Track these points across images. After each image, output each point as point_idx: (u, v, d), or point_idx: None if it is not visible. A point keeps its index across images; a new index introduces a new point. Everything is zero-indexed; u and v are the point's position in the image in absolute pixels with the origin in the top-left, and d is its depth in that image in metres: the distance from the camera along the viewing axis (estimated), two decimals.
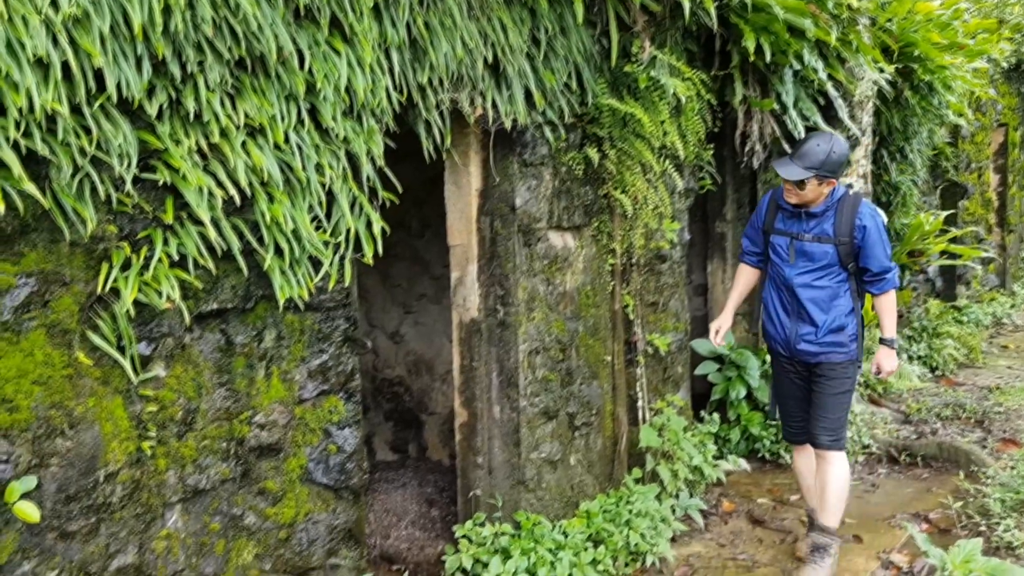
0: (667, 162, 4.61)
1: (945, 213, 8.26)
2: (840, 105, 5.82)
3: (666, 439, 4.73)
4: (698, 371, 5.96)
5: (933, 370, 8.28)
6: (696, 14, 4.47)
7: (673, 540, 4.47)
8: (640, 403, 4.88)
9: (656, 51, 4.32)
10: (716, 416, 5.59)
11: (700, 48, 5.07)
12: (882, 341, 4.11)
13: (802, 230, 4.01)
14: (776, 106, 5.30)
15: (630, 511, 4.35)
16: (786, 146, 5.69)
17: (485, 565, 3.88)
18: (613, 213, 4.59)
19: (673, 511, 4.63)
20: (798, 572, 4.17)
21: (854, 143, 6.27)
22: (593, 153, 4.29)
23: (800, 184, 3.87)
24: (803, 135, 5.52)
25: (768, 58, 4.77)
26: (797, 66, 5.21)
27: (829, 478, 4.09)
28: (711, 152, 5.20)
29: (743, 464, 5.44)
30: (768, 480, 5.54)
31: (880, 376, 4.15)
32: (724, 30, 4.88)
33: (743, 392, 5.81)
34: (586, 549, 4.06)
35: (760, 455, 5.83)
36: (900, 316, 8.47)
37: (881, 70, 6.00)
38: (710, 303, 6.56)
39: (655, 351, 4.99)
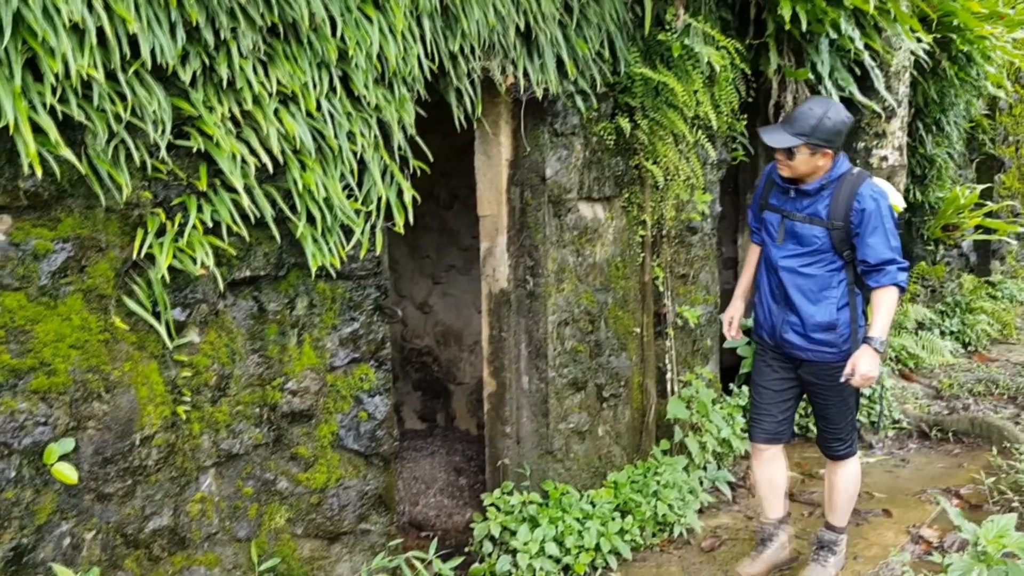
0: (699, 133, 4.56)
1: (981, 187, 8.11)
2: (876, 75, 5.72)
3: (694, 411, 4.72)
4: (727, 344, 5.91)
5: (966, 346, 8.18)
6: None
7: (701, 511, 4.47)
8: (669, 375, 4.86)
9: (690, 19, 4.26)
10: (745, 389, 5.56)
11: (734, 16, 4.99)
12: (865, 339, 3.40)
13: (794, 209, 3.55)
14: (811, 76, 5.21)
15: (658, 482, 4.35)
16: None
17: (513, 533, 3.90)
18: (644, 184, 4.55)
19: (701, 483, 4.63)
20: (803, 571, 3.87)
21: (890, 114, 6.17)
22: (624, 123, 4.25)
23: (789, 153, 3.43)
24: None
25: (804, 27, 4.68)
26: (833, 35, 5.11)
27: (839, 480, 3.81)
28: (744, 123, 5.13)
29: None
30: (796, 453, 5.52)
31: (854, 382, 3.40)
32: None
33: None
34: (613, 519, 4.08)
35: None
36: (933, 291, 8.37)
37: (919, 40, 5.88)
38: (740, 276, 6.51)
39: (684, 323, 4.97)
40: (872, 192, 3.40)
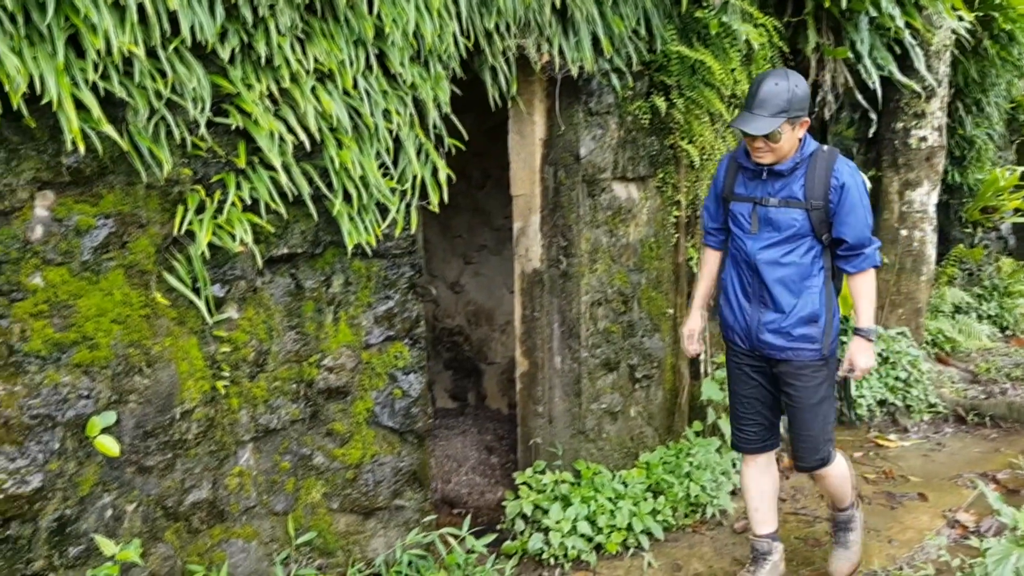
0: (736, 112, 4.51)
1: (1021, 169, 7.95)
2: (917, 54, 5.63)
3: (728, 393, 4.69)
4: None
5: (1003, 330, 8.05)
6: None
7: (733, 493, 4.46)
8: (702, 356, 4.84)
9: None
10: None
11: None
12: (856, 331, 3.28)
13: (767, 193, 3.26)
14: (850, 55, 5.13)
15: (690, 463, 4.34)
16: (859, 97, 5.53)
17: (545, 512, 3.92)
18: (679, 164, 4.51)
19: (734, 464, 4.61)
20: (830, 558, 3.71)
21: (929, 94, 6.06)
22: (660, 102, 4.21)
23: (772, 137, 3.11)
24: (877, 85, 5.37)
25: (843, 5, 4.62)
26: (873, 13, 5.03)
27: (829, 483, 3.55)
28: None
29: None
30: None
31: (853, 375, 3.34)
32: None
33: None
34: (646, 499, 4.08)
35: None
36: (970, 274, 8.24)
37: (960, 18, 5.77)
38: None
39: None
40: (848, 168, 3.21)
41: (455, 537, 3.48)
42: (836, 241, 3.23)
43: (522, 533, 3.93)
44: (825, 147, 3.25)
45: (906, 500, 4.51)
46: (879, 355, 5.90)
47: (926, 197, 6.31)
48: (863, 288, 3.27)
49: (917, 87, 5.84)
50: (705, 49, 4.22)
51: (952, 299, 7.52)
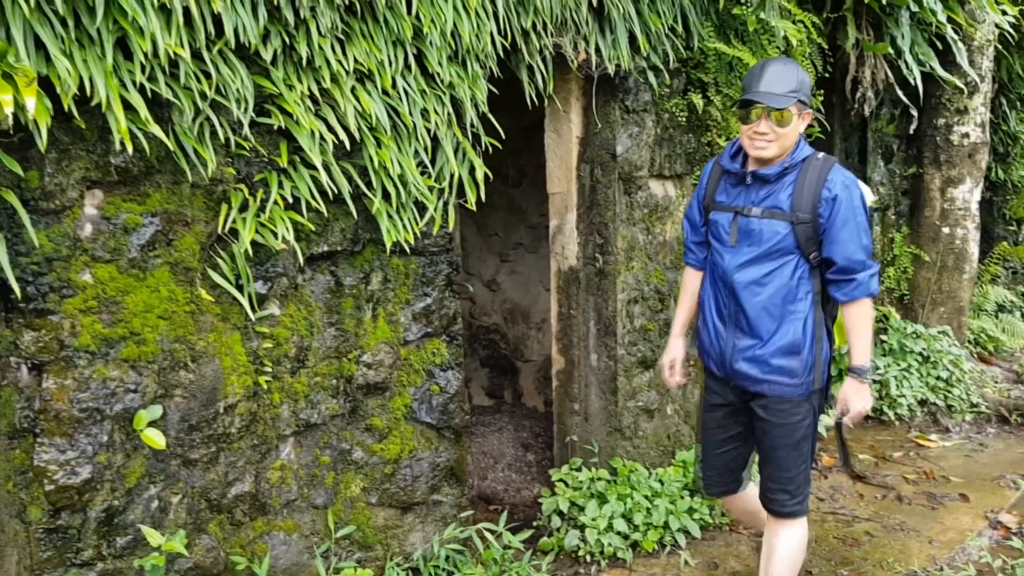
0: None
1: None
2: (959, 49, 5.55)
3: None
4: None
5: None
6: None
7: None
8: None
9: None
10: None
11: None
12: (850, 371, 2.88)
13: (749, 202, 2.90)
14: (890, 50, 5.07)
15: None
16: (899, 93, 5.47)
17: (581, 509, 3.93)
18: None
19: None
20: None
21: (972, 90, 5.97)
22: (697, 99, 4.20)
23: (784, 118, 2.77)
24: (918, 81, 5.30)
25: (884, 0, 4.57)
26: (914, 8, 4.97)
27: (780, 544, 3.04)
28: (820, 98, 5.02)
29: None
30: (870, 436, 5.43)
31: (847, 420, 2.90)
32: None
33: (845, 348, 5.67)
34: (682, 497, 4.07)
35: None
36: (1015, 272, 8.09)
37: (1004, 12, 5.67)
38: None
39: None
40: (843, 178, 2.81)
41: (492, 533, 3.50)
42: (825, 262, 2.85)
43: (558, 530, 3.94)
44: (820, 154, 2.89)
45: (947, 501, 4.46)
46: (920, 354, 5.83)
47: (968, 194, 6.21)
48: (856, 319, 2.85)
49: (959, 82, 5.76)
50: (743, 46, 4.20)
51: (995, 297, 7.39)
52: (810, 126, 5.16)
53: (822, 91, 5.06)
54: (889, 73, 5.30)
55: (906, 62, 5.18)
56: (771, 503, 3.04)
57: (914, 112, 5.75)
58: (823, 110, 5.18)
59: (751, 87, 2.83)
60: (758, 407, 2.97)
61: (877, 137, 6.14)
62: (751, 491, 3.27)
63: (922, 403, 5.71)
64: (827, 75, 5.10)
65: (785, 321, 2.85)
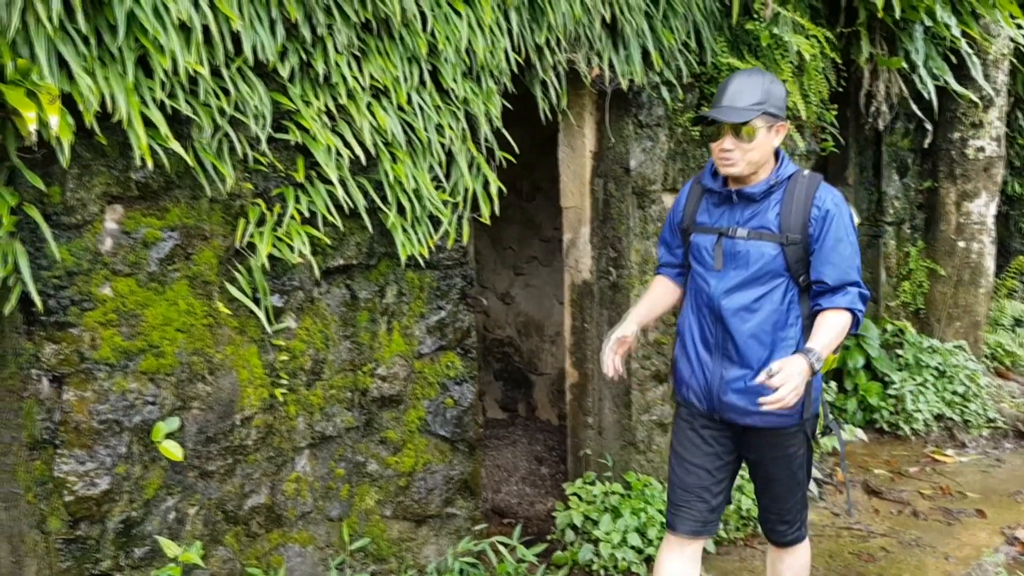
0: (788, 123, 4.49)
1: None
2: (973, 63, 5.54)
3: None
4: None
5: None
6: None
7: None
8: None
9: (779, 7, 4.20)
10: (833, 385, 5.48)
11: (824, 4, 4.90)
12: (801, 351, 2.54)
13: (734, 222, 2.72)
14: (904, 64, 5.08)
15: (742, 477, 4.31)
16: (914, 107, 5.47)
17: (595, 523, 3.93)
18: None
19: None
20: None
21: (987, 103, 5.96)
22: None
23: (743, 133, 2.60)
24: (932, 95, 5.30)
25: (898, 14, 4.57)
26: (928, 22, 4.98)
27: (784, 570, 3.00)
28: (834, 113, 5.03)
29: (860, 434, 5.32)
30: (885, 451, 5.40)
31: (767, 384, 2.44)
32: None
33: (861, 361, 5.67)
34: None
35: (877, 426, 5.67)
36: None
37: (1019, 26, 5.67)
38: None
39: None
40: (833, 196, 2.67)
41: (505, 546, 3.51)
42: (814, 284, 2.68)
43: (572, 544, 3.94)
44: (807, 171, 2.73)
45: (963, 516, 4.43)
46: (936, 369, 5.80)
47: (984, 208, 6.19)
48: (830, 319, 2.62)
49: (974, 96, 5.75)
50: (756, 61, 4.22)
51: (1012, 312, 7.35)
52: (823, 140, 5.18)
53: (836, 105, 5.07)
54: (903, 87, 5.31)
55: (920, 76, 5.18)
56: (771, 533, 2.98)
57: (929, 126, 5.75)
58: (837, 124, 5.18)
59: (715, 103, 2.70)
60: (750, 445, 2.81)
61: (892, 151, 6.14)
62: (698, 569, 2.95)
63: (938, 418, 5.67)
64: (841, 89, 5.11)
65: (777, 348, 2.66)
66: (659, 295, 3.04)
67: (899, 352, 5.90)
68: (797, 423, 2.73)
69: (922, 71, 5.14)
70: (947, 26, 4.96)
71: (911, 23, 5.01)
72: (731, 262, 2.71)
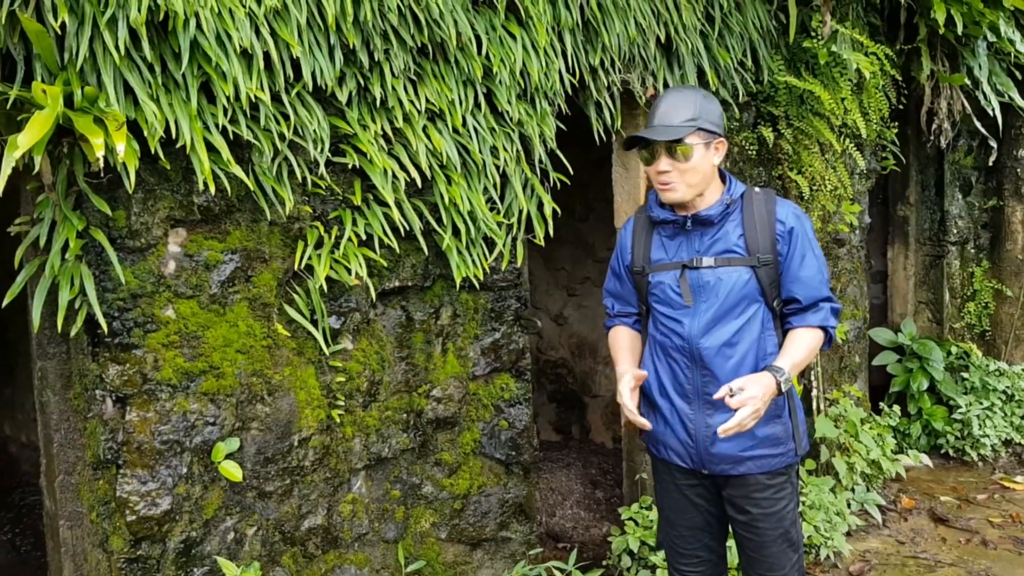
0: (847, 141, 4.42)
1: None
2: None
3: (842, 431, 4.55)
4: (876, 361, 5.68)
5: None
6: None
7: (848, 534, 4.30)
8: (814, 392, 4.71)
9: (837, 25, 4.14)
10: (896, 409, 5.33)
11: (883, 21, 4.83)
12: (769, 368, 2.41)
13: (695, 252, 2.52)
14: (967, 81, 4.97)
15: (803, 503, 4.21)
16: (977, 124, 5.34)
17: (652, 548, 3.86)
18: (788, 195, 4.44)
19: (848, 505, 4.45)
20: None
21: None
22: (767, 132, 4.17)
23: (680, 149, 2.42)
24: (997, 112, 5.17)
25: (959, 30, 4.48)
26: (991, 38, 4.87)
27: None
28: (894, 131, 4.94)
29: (924, 460, 5.16)
30: (952, 478, 5.23)
31: (732, 403, 2.28)
32: (911, 1, 4.62)
33: (925, 384, 5.51)
34: None
35: (943, 451, 5.50)
36: None
37: None
38: (889, 290, 6.25)
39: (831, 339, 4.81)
40: (793, 210, 2.52)
41: (561, 571, 3.47)
42: (785, 302, 2.53)
43: (628, 569, 3.88)
44: (757, 188, 2.58)
45: None
46: (1003, 393, 5.61)
47: None
48: (801, 337, 2.49)
49: None
50: (814, 79, 4.17)
51: None
52: (884, 159, 5.08)
53: (896, 123, 4.97)
54: (966, 104, 5.18)
55: (984, 92, 5.06)
56: None
57: (993, 143, 5.60)
58: (898, 142, 5.08)
59: (647, 123, 2.52)
60: (736, 499, 2.56)
61: (954, 169, 5.99)
62: None
63: (1007, 443, 5.48)
64: (901, 107, 5.01)
65: None
66: (631, 343, 2.74)
67: (964, 375, 5.72)
68: (789, 462, 2.54)
69: (985, 87, 5.02)
70: (1011, 41, 4.85)
71: (973, 39, 4.91)
72: (700, 295, 2.49)
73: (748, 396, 2.29)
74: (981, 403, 5.54)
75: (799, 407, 2.58)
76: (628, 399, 2.53)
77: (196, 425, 2.59)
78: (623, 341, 2.75)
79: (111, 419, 2.47)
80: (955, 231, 6.02)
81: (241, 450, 2.69)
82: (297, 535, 2.86)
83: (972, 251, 6.18)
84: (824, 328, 2.51)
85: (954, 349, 5.82)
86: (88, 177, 2.35)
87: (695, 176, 2.46)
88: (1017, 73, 5.32)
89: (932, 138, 5.34)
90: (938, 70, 4.91)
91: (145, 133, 2.33)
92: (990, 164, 5.90)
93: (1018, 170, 5.98)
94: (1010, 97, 5.25)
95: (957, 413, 5.46)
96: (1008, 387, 5.62)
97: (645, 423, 2.54)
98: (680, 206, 2.55)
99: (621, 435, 4.41)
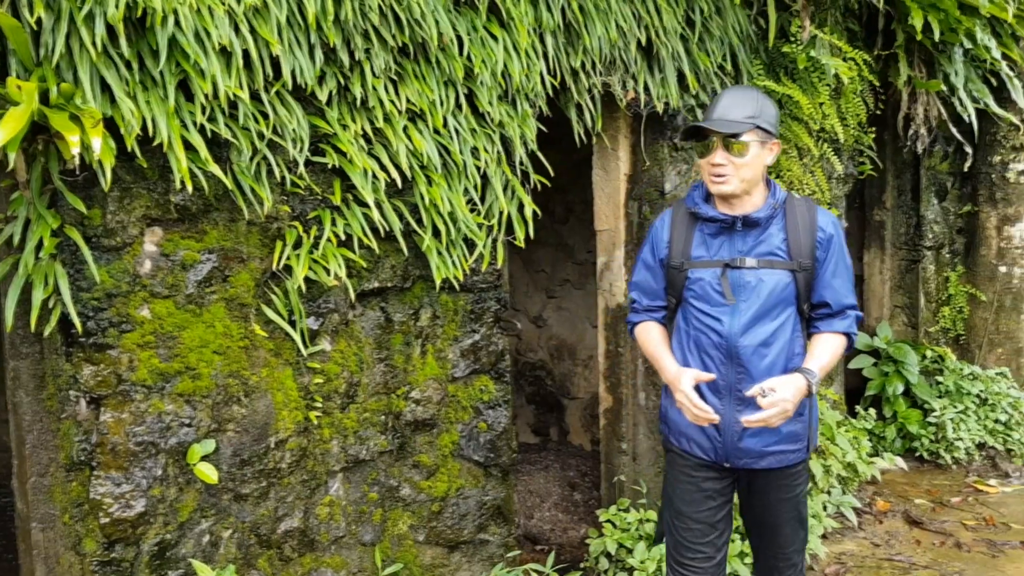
0: (825, 146, 4.45)
1: None
2: (1015, 86, 5.45)
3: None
4: (852, 364, 5.73)
5: None
6: None
7: (824, 537, 4.32)
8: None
9: (816, 30, 4.17)
10: (871, 412, 5.38)
11: (862, 27, 4.86)
12: (799, 369, 2.51)
13: (739, 252, 2.57)
14: (943, 87, 5.01)
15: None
16: (953, 130, 5.39)
17: (630, 551, 3.87)
18: None
19: (824, 508, 4.48)
20: None
21: None
22: None
23: (736, 144, 2.48)
24: (972, 118, 5.22)
25: (936, 37, 4.52)
26: (968, 45, 4.91)
27: None
28: (872, 136, 4.98)
29: (899, 463, 5.20)
30: (926, 480, 5.28)
31: (763, 403, 2.38)
32: (889, 7, 4.65)
33: (900, 388, 5.55)
34: (733, 540, 3.99)
35: (918, 454, 5.55)
36: None
37: None
38: (866, 294, 6.30)
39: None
40: (831, 219, 2.60)
41: (539, 573, 3.46)
42: (814, 306, 2.61)
43: (606, 572, 3.88)
44: (796, 194, 2.66)
45: (1008, 548, 4.31)
46: (977, 396, 5.67)
47: None
48: (828, 342, 2.59)
49: (1015, 119, 5.66)
50: (793, 84, 4.19)
51: None
52: (861, 163, 5.12)
53: (874, 128, 5.01)
54: (942, 110, 5.23)
55: (960, 99, 5.11)
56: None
57: (968, 149, 5.66)
58: (875, 147, 5.12)
59: (706, 116, 2.57)
60: (758, 490, 2.68)
61: (930, 175, 6.05)
62: None
63: (980, 447, 5.54)
64: (879, 112, 5.05)
65: None
66: (667, 340, 2.75)
67: (939, 379, 5.78)
68: (806, 456, 2.66)
69: (962, 94, 5.07)
70: (987, 48, 4.90)
71: (950, 45, 4.95)
72: (740, 294, 2.54)
73: (779, 398, 2.39)
74: (955, 407, 5.59)
75: (815, 406, 2.68)
76: (696, 397, 2.51)
77: (171, 426, 2.56)
78: (661, 338, 2.76)
79: (85, 420, 2.44)
80: (931, 236, 6.08)
81: (217, 452, 2.66)
82: (273, 538, 2.83)
83: (947, 256, 6.24)
84: (848, 335, 2.62)
85: (929, 353, 5.87)
86: (63, 175, 2.31)
87: (748, 172, 2.52)
88: (993, 80, 5.38)
89: (909, 143, 5.39)
90: (915, 76, 4.96)
91: (122, 130, 2.30)
92: (965, 170, 5.97)
93: (993, 176, 6.05)
94: (986, 104, 5.31)
95: (932, 417, 5.52)
96: (982, 391, 5.67)
97: (715, 417, 2.51)
98: (726, 205, 2.60)
99: (600, 438, 4.42)
